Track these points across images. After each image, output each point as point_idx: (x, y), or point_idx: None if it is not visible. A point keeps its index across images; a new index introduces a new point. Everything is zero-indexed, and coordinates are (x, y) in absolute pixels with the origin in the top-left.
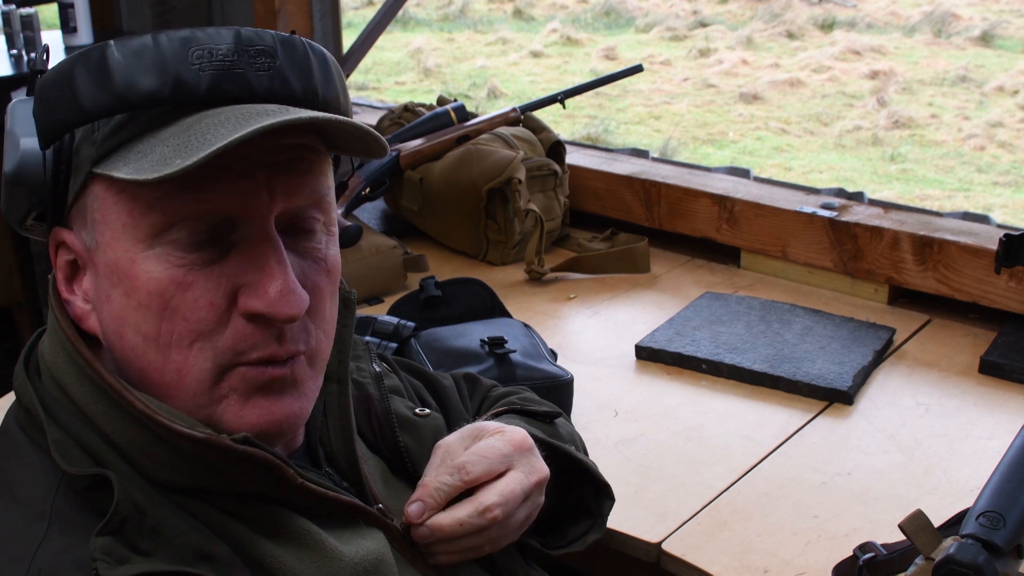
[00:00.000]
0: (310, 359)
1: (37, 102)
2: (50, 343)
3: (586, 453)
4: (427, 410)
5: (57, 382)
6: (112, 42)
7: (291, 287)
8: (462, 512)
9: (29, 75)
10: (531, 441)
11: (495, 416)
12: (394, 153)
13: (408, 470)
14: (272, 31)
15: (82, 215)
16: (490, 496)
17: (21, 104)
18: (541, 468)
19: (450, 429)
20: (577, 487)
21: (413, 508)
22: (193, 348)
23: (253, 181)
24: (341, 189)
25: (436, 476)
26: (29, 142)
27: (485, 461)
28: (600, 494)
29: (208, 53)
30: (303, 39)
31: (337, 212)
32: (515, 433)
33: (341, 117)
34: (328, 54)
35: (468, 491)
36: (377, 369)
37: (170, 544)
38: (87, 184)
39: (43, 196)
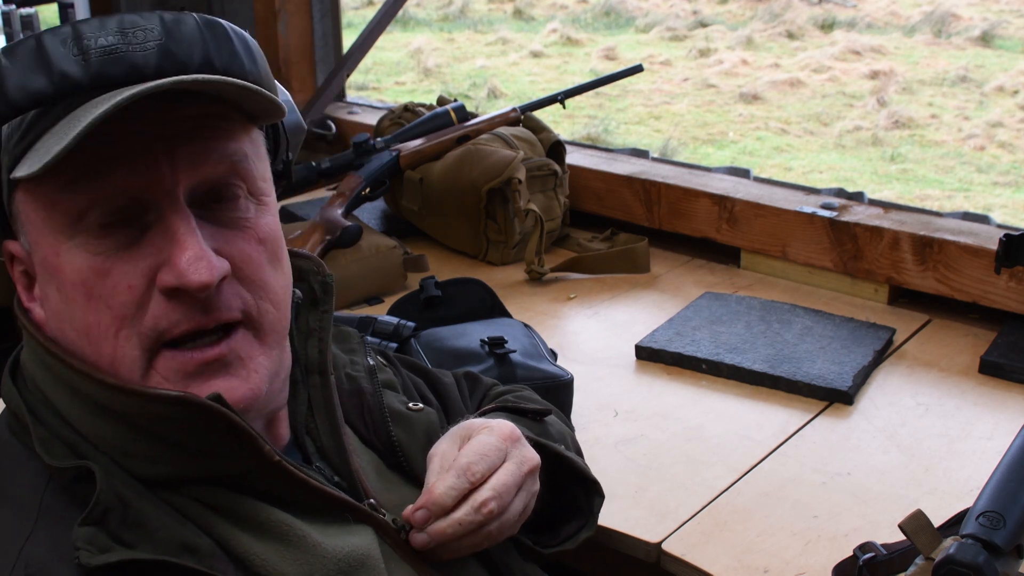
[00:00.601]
0: (256, 332)
1: None
2: (27, 351)
3: (579, 450)
4: (420, 404)
5: (39, 387)
6: (1, 49)
7: (200, 254)
8: (459, 512)
9: None
10: (519, 431)
11: (483, 414)
12: (394, 153)
13: (401, 464)
14: (163, 12)
15: (17, 222)
16: (483, 492)
17: None
18: (532, 456)
19: (450, 425)
20: (568, 486)
21: (419, 515)
22: (119, 336)
23: (151, 155)
24: (278, 177)
25: (442, 480)
26: None
27: (486, 459)
28: (590, 492)
29: (92, 43)
30: (198, 15)
31: (280, 192)
32: (503, 426)
33: (210, 76)
34: (229, 26)
35: None
36: (371, 363)
37: (153, 536)
38: (12, 192)
39: None
